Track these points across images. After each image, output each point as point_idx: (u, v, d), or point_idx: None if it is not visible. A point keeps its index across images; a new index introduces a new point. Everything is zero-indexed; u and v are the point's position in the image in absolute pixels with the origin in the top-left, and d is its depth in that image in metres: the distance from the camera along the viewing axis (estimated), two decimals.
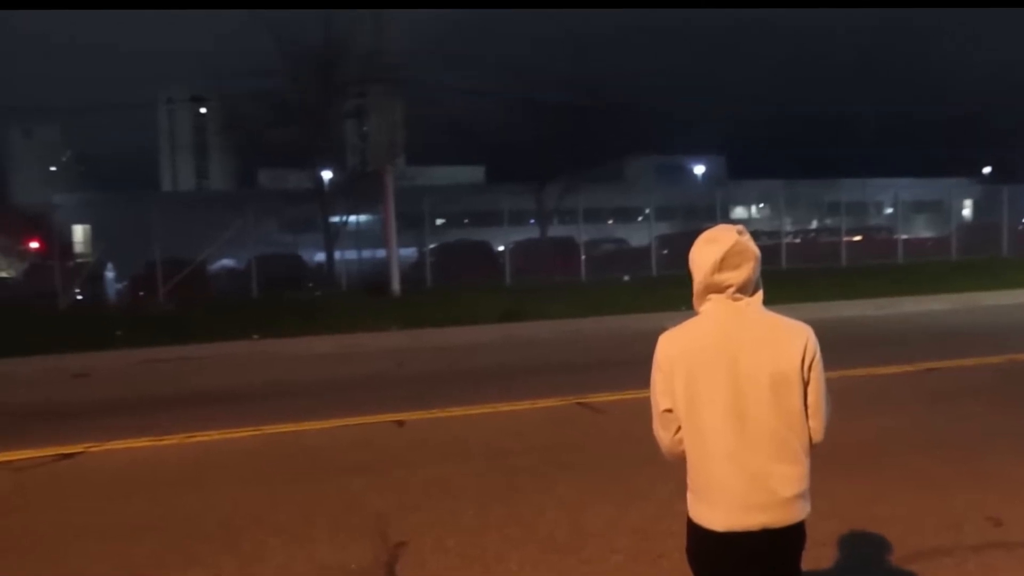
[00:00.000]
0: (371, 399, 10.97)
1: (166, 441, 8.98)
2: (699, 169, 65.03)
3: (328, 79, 37.24)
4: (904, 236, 41.09)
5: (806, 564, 3.01)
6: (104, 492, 7.37)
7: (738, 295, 2.94)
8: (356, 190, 38.52)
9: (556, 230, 46.37)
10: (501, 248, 36.53)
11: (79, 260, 43.27)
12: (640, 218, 49.36)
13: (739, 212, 63.97)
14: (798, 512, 2.89)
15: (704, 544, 2.94)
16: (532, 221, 48.72)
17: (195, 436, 9.13)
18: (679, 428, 2.97)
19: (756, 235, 3.00)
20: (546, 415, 9.63)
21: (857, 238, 42.08)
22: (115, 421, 10.16)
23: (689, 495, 3.01)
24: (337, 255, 38.74)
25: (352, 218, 41.46)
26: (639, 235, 41.75)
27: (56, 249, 32.57)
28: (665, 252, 34.16)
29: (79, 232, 54.95)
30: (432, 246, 36.55)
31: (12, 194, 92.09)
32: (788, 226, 45.45)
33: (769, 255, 27.56)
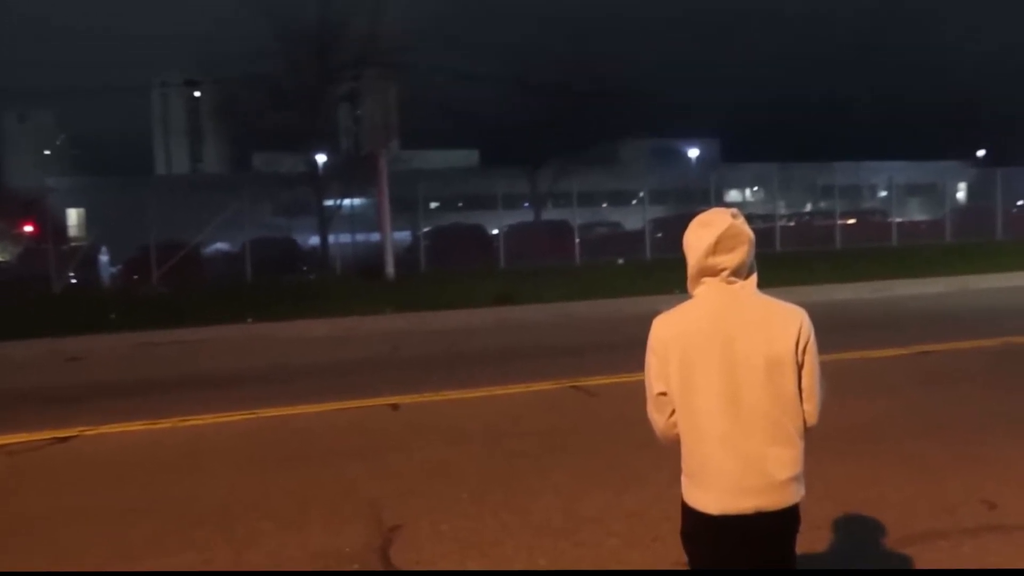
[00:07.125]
0: (366, 383, 10.94)
1: (160, 425, 8.96)
2: (693, 152, 64.73)
3: (323, 62, 37.13)
4: (898, 219, 41.16)
5: (800, 547, 3.02)
6: (98, 476, 7.36)
7: (732, 278, 2.93)
8: (350, 174, 38.46)
9: (550, 213, 46.39)
10: (495, 232, 36.48)
11: (73, 244, 43.23)
12: (634, 201, 49.24)
13: (733, 195, 63.97)
14: (792, 495, 2.89)
15: (698, 527, 2.94)
16: (526, 204, 48.69)
17: (189, 420, 9.10)
18: (673, 411, 2.96)
19: (750, 218, 2.98)
20: (541, 399, 9.62)
21: (851, 221, 42.19)
22: (109, 405, 10.13)
23: (683, 478, 3.00)
24: (331, 239, 38.70)
25: (346, 202, 41.35)
26: (633, 218, 41.74)
27: (50, 233, 32.55)
28: (659, 235, 34.17)
29: (73, 216, 54.82)
30: (426, 229, 36.52)
31: (6, 178, 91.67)
32: (782, 209, 45.47)
33: (763, 238, 27.64)
